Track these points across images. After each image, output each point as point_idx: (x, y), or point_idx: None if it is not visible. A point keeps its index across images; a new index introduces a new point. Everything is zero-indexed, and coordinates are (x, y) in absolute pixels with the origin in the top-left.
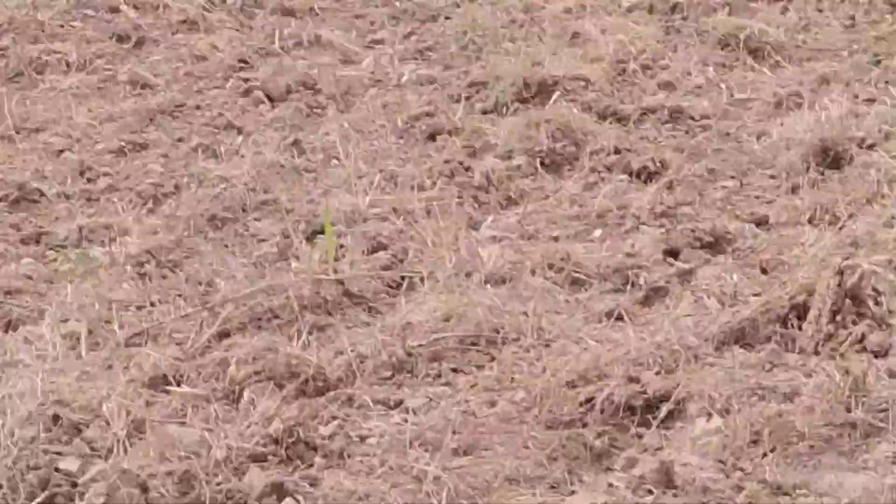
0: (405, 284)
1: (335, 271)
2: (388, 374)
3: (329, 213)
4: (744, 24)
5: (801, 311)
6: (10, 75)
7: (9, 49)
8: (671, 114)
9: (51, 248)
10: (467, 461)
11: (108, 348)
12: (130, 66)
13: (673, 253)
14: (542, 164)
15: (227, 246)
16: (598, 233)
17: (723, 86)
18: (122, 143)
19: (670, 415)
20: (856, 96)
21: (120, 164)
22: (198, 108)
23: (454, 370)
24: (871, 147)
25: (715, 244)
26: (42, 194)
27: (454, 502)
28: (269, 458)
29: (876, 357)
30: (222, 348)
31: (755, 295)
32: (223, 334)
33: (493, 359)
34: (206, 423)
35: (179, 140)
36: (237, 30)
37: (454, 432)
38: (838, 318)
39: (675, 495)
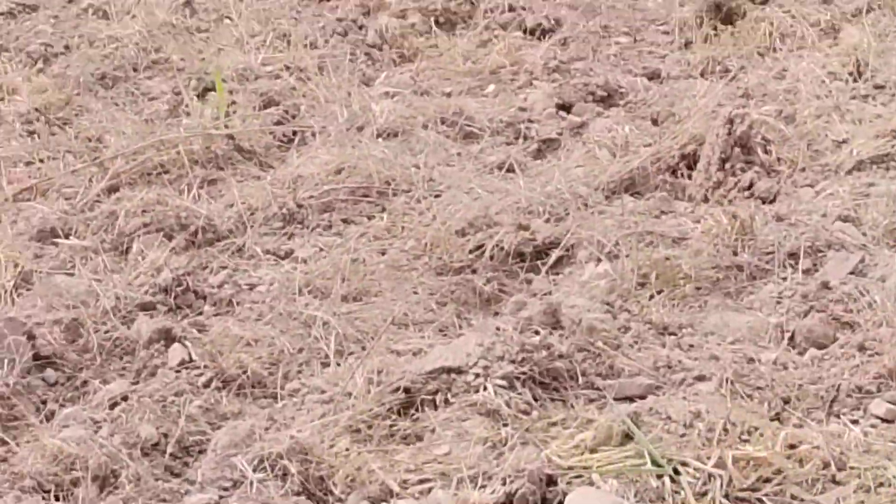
0: (297, 139)
1: (226, 126)
2: (279, 225)
3: (220, 70)
4: None
5: (691, 161)
6: None
7: None
8: None
9: None
10: (356, 307)
11: None
12: None
13: (565, 107)
14: (436, 22)
15: (117, 104)
16: (491, 88)
17: None
18: (12, 6)
19: (559, 261)
20: None
21: (10, 26)
22: None
23: (345, 221)
24: (764, 2)
25: (607, 98)
26: None
27: (343, 346)
28: (158, 306)
29: (763, 203)
30: (111, 202)
31: (646, 146)
32: (113, 189)
33: (383, 209)
34: (94, 273)
35: (70, 1)
36: None
37: (343, 279)
38: (727, 166)
39: (562, 336)
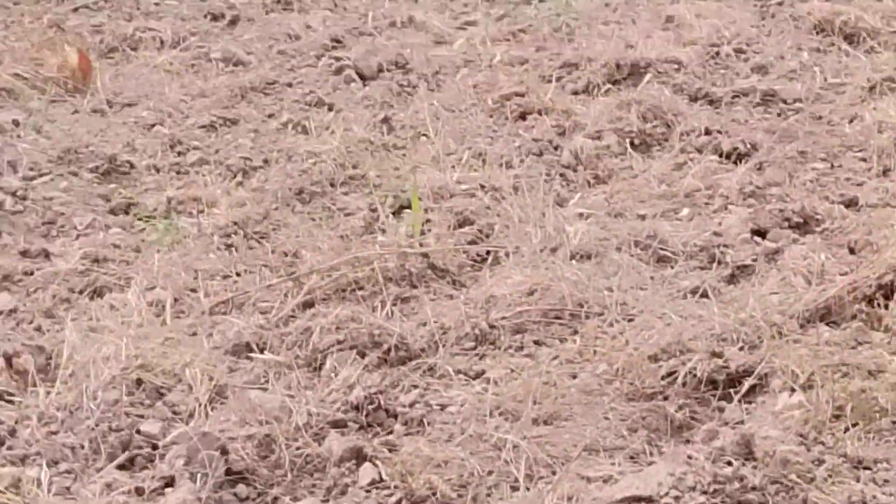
0: (490, 259)
1: (421, 244)
2: (471, 345)
3: (417, 187)
4: (840, 9)
5: (889, 291)
6: (105, 51)
7: (104, 25)
8: (763, 97)
9: (139, 219)
10: (547, 431)
11: (192, 316)
12: (223, 44)
13: (761, 232)
14: (631, 144)
15: (314, 219)
16: (685, 212)
17: (816, 70)
18: (213, 119)
19: (752, 389)
20: None
21: (210, 139)
22: (289, 85)
23: (536, 343)
24: None
25: (803, 224)
26: (132, 166)
27: (533, 470)
28: (350, 424)
29: None
30: (306, 317)
31: (842, 274)
32: (307, 304)
33: (575, 332)
34: (287, 389)
35: (270, 116)
36: (331, 10)
37: (535, 402)
38: None
39: (754, 467)
